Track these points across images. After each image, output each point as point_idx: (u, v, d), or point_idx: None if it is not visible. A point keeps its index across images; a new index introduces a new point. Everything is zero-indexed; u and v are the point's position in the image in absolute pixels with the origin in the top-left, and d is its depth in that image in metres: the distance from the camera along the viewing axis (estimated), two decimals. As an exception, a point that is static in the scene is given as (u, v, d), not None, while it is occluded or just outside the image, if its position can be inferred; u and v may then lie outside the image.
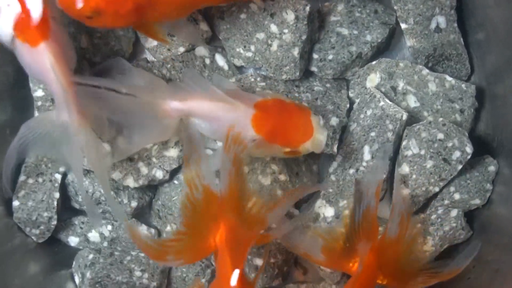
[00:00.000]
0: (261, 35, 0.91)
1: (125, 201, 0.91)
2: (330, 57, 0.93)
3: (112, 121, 0.85)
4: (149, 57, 0.96)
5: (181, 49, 0.94)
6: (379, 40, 0.94)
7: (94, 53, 0.93)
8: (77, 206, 0.93)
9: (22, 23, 0.77)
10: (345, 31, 0.94)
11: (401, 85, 0.93)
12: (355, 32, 0.94)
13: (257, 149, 0.82)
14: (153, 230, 0.93)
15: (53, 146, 0.81)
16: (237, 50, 0.93)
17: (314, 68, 0.94)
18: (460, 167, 0.88)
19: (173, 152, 0.90)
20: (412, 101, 0.92)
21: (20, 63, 0.81)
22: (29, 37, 0.77)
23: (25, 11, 0.76)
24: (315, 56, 0.94)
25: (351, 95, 0.95)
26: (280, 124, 0.80)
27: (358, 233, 0.80)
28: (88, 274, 0.88)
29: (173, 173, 0.92)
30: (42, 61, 0.77)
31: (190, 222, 0.77)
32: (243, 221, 0.76)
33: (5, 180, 0.84)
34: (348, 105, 0.94)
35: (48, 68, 0.77)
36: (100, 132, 0.85)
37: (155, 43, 0.94)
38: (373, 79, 0.94)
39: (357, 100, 0.94)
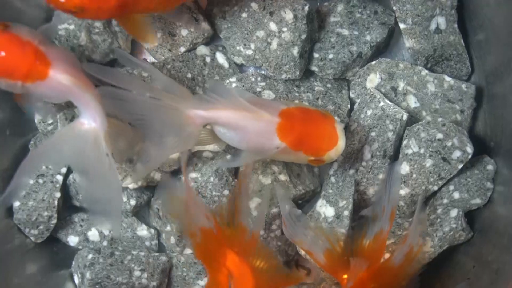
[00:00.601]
0: (260, 33, 0.91)
1: (124, 199, 0.91)
2: (331, 56, 0.93)
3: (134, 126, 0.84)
4: (149, 58, 0.96)
5: (182, 49, 0.94)
6: (378, 40, 0.94)
7: (93, 50, 0.93)
8: (77, 203, 0.93)
9: (19, 67, 0.75)
10: (345, 32, 0.94)
11: (401, 85, 0.93)
12: (356, 32, 0.94)
13: (281, 155, 0.82)
14: (152, 231, 0.93)
15: (79, 156, 0.79)
16: (237, 48, 0.92)
17: (314, 68, 0.94)
18: (460, 166, 0.88)
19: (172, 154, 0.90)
20: (412, 102, 0.93)
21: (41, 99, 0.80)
22: (35, 75, 0.76)
23: (13, 60, 0.75)
24: (316, 55, 0.93)
25: (352, 95, 0.95)
26: (305, 132, 0.80)
27: (362, 251, 0.80)
28: (87, 275, 0.88)
29: (173, 174, 0.92)
30: (61, 85, 0.77)
31: (207, 265, 0.79)
32: (243, 237, 0.78)
33: (9, 191, 0.79)
34: (349, 106, 0.94)
35: (70, 87, 0.77)
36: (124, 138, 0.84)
37: (155, 43, 0.93)
38: (373, 79, 0.94)
39: (358, 101, 0.94)
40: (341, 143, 0.81)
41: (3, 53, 0.75)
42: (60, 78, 0.76)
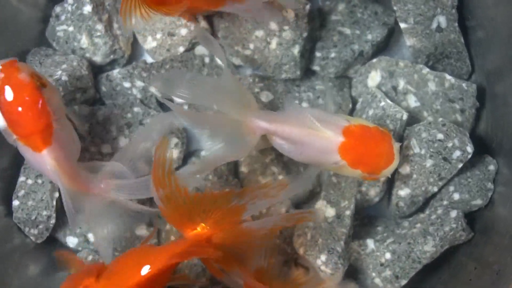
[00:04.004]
0: (260, 33, 0.91)
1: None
2: (333, 55, 0.93)
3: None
4: (148, 59, 0.96)
5: (181, 49, 0.94)
6: (379, 39, 0.94)
7: (94, 53, 0.93)
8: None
9: (23, 128, 0.77)
10: (347, 31, 0.94)
11: (401, 84, 0.92)
12: (357, 31, 0.93)
13: (337, 170, 0.83)
14: (152, 229, 0.93)
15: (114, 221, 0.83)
16: (235, 48, 0.92)
17: (316, 67, 0.94)
18: (460, 165, 0.88)
19: (173, 153, 0.90)
20: (412, 101, 0.92)
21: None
22: (31, 143, 0.77)
23: (26, 117, 0.76)
24: (318, 54, 0.93)
25: (353, 94, 0.95)
26: (365, 151, 0.81)
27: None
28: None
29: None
30: (45, 166, 0.78)
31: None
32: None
33: None
34: (350, 105, 0.94)
35: (52, 171, 0.78)
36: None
37: (154, 44, 0.94)
38: (374, 77, 0.93)
39: (360, 100, 0.94)
40: (395, 162, 0.81)
41: (20, 109, 0.75)
42: (48, 162, 0.78)
